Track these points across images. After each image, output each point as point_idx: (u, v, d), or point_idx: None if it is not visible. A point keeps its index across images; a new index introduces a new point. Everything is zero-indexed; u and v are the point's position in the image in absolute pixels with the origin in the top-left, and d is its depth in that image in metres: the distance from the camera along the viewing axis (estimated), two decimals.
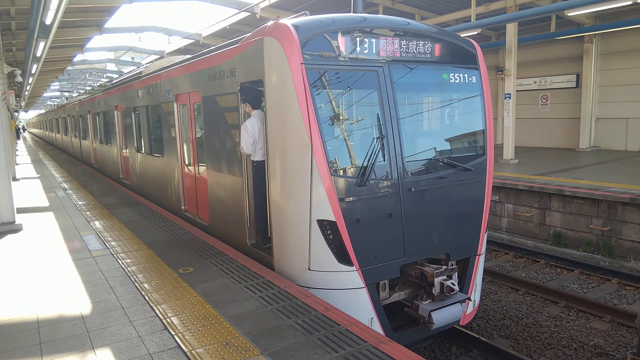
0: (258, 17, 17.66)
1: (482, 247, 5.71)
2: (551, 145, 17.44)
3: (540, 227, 10.12)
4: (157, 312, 4.01)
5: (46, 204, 9.34)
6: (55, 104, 46.77)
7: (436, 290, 4.95)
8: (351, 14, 5.47)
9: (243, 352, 3.27)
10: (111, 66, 34.05)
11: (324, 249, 4.71)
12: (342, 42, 4.79)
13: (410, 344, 5.37)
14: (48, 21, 9.51)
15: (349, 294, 4.79)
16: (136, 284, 4.69)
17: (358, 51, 4.88)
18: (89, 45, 20.81)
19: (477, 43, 6.01)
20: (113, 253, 5.80)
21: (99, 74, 34.68)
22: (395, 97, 5.06)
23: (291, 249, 4.93)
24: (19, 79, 15.34)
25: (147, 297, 4.34)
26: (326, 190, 4.58)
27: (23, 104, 25.50)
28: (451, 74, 5.57)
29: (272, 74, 4.82)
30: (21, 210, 8.04)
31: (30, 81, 21.13)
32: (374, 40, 4.98)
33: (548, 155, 15.25)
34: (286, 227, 4.92)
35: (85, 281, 4.85)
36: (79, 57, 24.36)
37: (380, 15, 5.49)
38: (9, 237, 6.77)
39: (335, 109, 4.80)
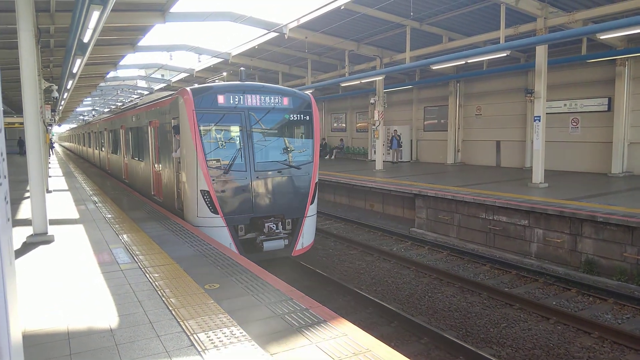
0: (286, 37, 17.95)
1: (308, 212, 9.17)
2: (582, 169, 17.03)
3: (571, 253, 9.83)
4: (184, 327, 4.01)
5: (77, 216, 9.54)
6: (84, 119, 48.25)
7: (265, 230, 8.48)
8: (227, 83, 9.65)
9: None
10: (142, 83, 35.02)
11: (204, 205, 8.40)
12: (220, 98, 8.64)
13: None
14: (86, 39, 9.86)
15: (217, 230, 8.36)
16: (163, 299, 4.72)
17: (230, 103, 8.68)
18: (121, 63, 21.49)
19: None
20: (141, 267, 5.86)
21: (130, 90, 35.67)
22: (252, 127, 8.78)
23: (189, 206, 8.72)
24: (55, 94, 15.89)
25: (174, 313, 4.35)
26: (204, 175, 8.33)
27: (57, 118, 26.36)
28: (291, 115, 9.30)
29: (181, 115, 8.72)
30: (53, 222, 8.22)
31: (65, 96, 21.87)
32: (240, 96, 8.77)
33: (579, 180, 14.89)
34: (187, 194, 8.81)
35: (114, 294, 4.90)
36: (111, 74, 25.15)
37: (247, 83, 9.29)
38: (42, 248, 6.92)
39: (212, 133, 8.60)
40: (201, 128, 8.37)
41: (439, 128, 22.92)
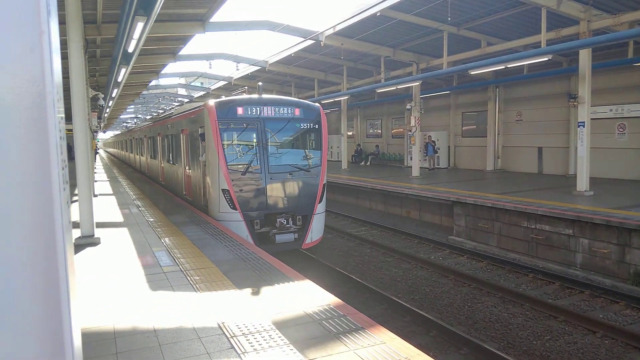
0: (322, 45, 18.06)
1: (317, 210, 10.31)
2: (629, 177, 16.29)
3: (619, 264, 9.40)
4: (224, 330, 4.08)
5: (121, 219, 9.89)
6: (127, 126, 50.10)
7: (277, 225, 9.73)
8: (246, 96, 11.16)
9: None
10: (182, 91, 35.97)
11: (225, 202, 9.62)
12: (239, 109, 9.91)
13: None
14: (130, 49, 10.24)
15: (236, 223, 9.57)
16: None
17: (248, 114, 9.95)
18: (163, 71, 22.16)
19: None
20: (182, 270, 6.00)
21: (171, 98, 36.69)
22: (267, 135, 10.03)
23: (212, 203, 10.01)
24: (101, 102, 16.55)
25: (214, 315, 4.42)
26: (225, 176, 9.58)
27: (102, 125, 27.44)
28: (302, 124, 10.49)
29: (206, 124, 10.01)
30: (99, 225, 8.55)
31: (110, 104, 22.72)
32: (257, 108, 10.04)
33: (626, 188, 14.25)
34: (210, 193, 10.12)
35: (157, 296, 5.04)
36: (153, 82, 25.95)
37: (264, 96, 10.50)
38: (89, 250, 7.21)
39: (234, 140, 9.93)
40: (223, 135, 9.71)
41: (477, 134, 22.47)
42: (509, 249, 11.53)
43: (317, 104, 11.06)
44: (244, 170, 9.72)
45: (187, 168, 12.84)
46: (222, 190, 9.61)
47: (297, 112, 10.43)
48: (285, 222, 9.74)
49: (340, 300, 4.85)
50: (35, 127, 1.12)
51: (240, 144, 9.97)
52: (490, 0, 14.10)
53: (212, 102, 10.13)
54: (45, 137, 1.14)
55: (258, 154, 9.88)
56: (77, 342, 1.29)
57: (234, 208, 9.58)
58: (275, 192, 9.90)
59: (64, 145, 1.45)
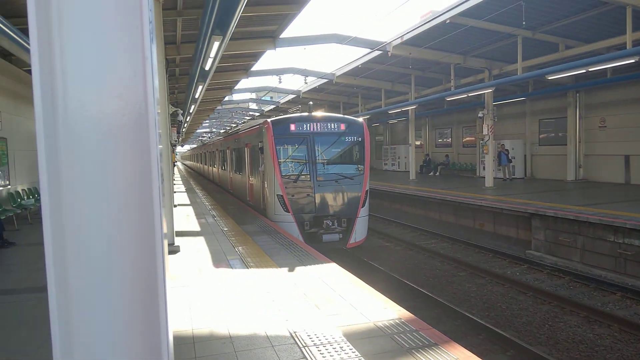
0: (390, 55, 18.00)
1: (360, 213, 11.48)
2: None
3: None
4: (297, 339, 4.14)
5: (198, 228, 10.40)
6: (202, 140, 52.76)
7: (324, 226, 10.95)
8: (298, 114, 13.01)
9: None
10: (253, 105, 37.27)
11: (279, 206, 11.05)
12: (292, 126, 11.54)
13: None
14: (207, 67, 10.80)
15: (288, 224, 10.84)
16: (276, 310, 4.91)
17: (300, 130, 11.50)
18: (235, 87, 23.11)
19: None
20: None
21: (243, 112, 38.11)
22: (315, 147, 11.48)
23: (269, 206, 11.55)
24: (180, 117, 17.56)
25: (286, 324, 4.51)
26: (279, 184, 11.03)
27: (180, 139, 29.06)
28: (347, 137, 11.89)
29: (264, 139, 11.66)
30: (178, 234, 9.02)
31: (187, 119, 24.03)
32: (307, 124, 11.60)
33: None
34: (267, 198, 11.67)
35: (231, 302, 5.22)
36: (226, 98, 27.14)
37: (313, 113, 11.98)
38: (169, 257, 7.62)
39: (288, 152, 11.45)
40: (278, 149, 11.28)
41: (556, 142, 21.23)
42: (594, 265, 10.73)
43: (361, 119, 12.68)
44: (296, 178, 11.18)
45: (250, 177, 14.69)
46: (277, 195, 11.06)
47: (343, 126, 11.89)
48: (331, 224, 10.97)
49: (411, 315, 4.77)
50: (139, 143, 1.22)
51: (293, 156, 11.49)
52: (568, 1, 13.38)
53: (269, 120, 11.82)
54: (148, 153, 1.24)
55: (308, 164, 11.32)
56: (171, 344, 1.38)
57: (287, 211, 10.97)
58: (323, 197, 11.22)
59: (159, 159, 1.56)
